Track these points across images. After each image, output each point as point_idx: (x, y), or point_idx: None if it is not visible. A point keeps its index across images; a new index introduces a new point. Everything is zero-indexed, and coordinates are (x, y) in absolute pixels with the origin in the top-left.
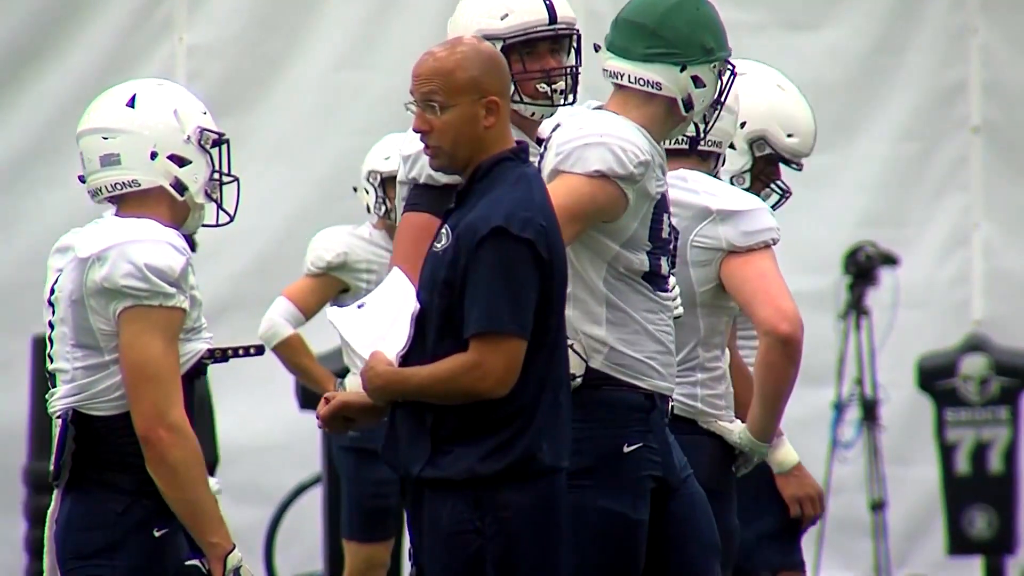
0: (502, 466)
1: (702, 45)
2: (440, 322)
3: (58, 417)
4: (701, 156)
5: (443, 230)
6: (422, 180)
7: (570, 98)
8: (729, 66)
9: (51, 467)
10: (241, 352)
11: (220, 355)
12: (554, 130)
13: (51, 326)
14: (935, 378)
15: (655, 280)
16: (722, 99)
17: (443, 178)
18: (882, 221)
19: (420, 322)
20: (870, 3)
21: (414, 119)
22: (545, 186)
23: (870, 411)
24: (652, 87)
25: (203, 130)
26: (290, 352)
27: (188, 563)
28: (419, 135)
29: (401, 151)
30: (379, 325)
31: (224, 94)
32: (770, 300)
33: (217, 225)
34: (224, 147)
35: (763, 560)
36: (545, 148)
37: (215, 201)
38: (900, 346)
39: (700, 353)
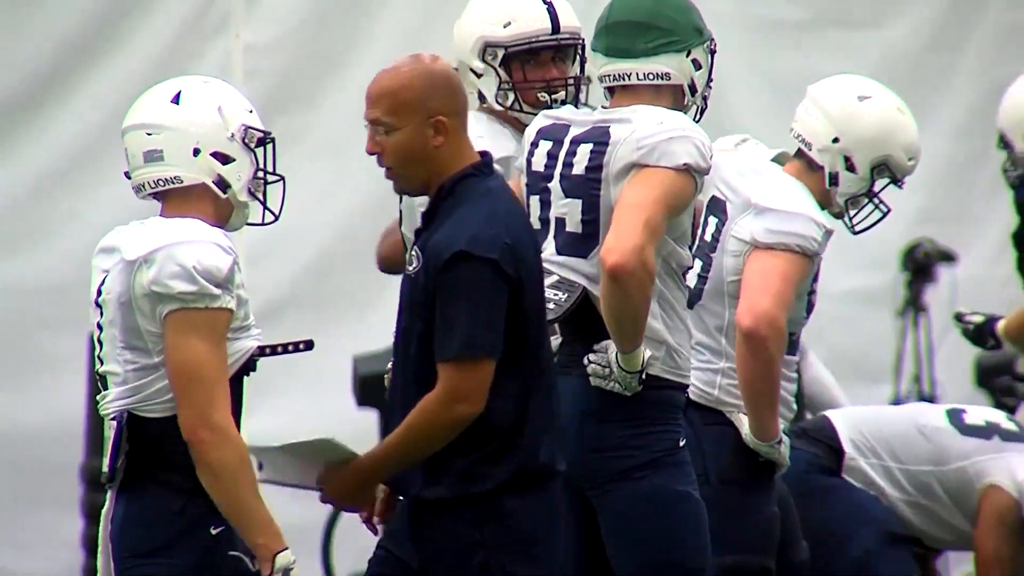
0: (500, 476)
1: (695, 27)
2: (419, 344)
3: (112, 419)
4: (810, 165)
5: (413, 251)
6: None
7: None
8: (712, 43)
9: (105, 468)
10: (291, 348)
11: (270, 352)
12: (606, 126)
13: (100, 328)
14: (993, 375)
15: (685, 275)
16: (712, 77)
17: None
18: (940, 218)
19: (404, 343)
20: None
21: (367, 141)
22: (512, 197)
23: None
24: (661, 78)
25: (248, 128)
26: None
27: (231, 553)
28: (374, 156)
29: None
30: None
31: (281, 92)
32: (750, 296)
33: (262, 224)
34: (269, 146)
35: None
36: (603, 144)
37: (259, 199)
38: (958, 343)
39: (723, 342)
